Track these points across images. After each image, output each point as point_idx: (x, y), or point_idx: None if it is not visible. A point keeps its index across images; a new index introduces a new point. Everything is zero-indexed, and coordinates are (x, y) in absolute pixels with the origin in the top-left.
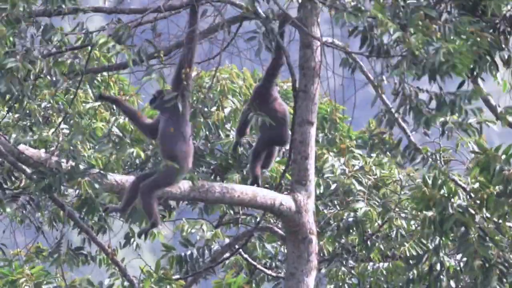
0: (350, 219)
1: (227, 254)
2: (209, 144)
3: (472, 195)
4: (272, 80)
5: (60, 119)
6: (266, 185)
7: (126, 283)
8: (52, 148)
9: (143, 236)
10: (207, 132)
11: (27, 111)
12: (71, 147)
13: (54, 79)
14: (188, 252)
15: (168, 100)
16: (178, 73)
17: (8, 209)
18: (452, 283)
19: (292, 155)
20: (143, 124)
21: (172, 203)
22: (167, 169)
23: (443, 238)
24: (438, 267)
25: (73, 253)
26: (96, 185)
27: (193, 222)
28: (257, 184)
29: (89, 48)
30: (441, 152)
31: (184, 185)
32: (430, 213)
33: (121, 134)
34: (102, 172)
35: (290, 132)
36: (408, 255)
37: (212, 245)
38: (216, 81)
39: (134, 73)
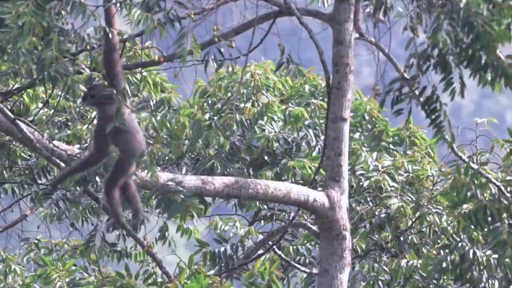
0: (383, 215)
1: (261, 251)
2: (244, 141)
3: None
4: None
5: (94, 114)
6: (300, 181)
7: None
8: (86, 144)
9: (179, 233)
10: (243, 129)
11: (63, 107)
12: None
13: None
14: (222, 249)
15: (105, 95)
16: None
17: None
18: (485, 273)
19: (325, 151)
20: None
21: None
22: (116, 160)
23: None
24: (470, 257)
25: (109, 247)
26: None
27: (227, 218)
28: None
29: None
30: (477, 154)
31: (217, 181)
32: (465, 207)
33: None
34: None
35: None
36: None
37: (246, 241)
38: (250, 76)
39: (167, 69)
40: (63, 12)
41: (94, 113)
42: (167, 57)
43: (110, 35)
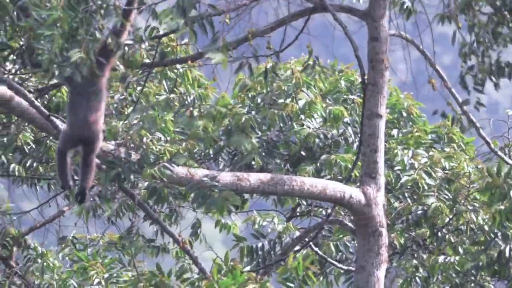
0: (419, 212)
1: (298, 247)
2: (282, 136)
3: None
4: None
5: (129, 111)
6: (340, 177)
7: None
8: (121, 140)
9: (217, 229)
10: (281, 124)
11: None
12: (139, 139)
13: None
14: (260, 244)
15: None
16: None
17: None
18: None
19: (361, 148)
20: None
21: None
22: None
23: None
24: (507, 253)
25: (147, 243)
26: (168, 172)
27: (265, 214)
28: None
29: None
30: (509, 146)
31: (252, 177)
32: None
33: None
34: (172, 161)
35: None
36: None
37: (284, 237)
38: (291, 73)
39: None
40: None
41: (130, 109)
42: (201, 53)
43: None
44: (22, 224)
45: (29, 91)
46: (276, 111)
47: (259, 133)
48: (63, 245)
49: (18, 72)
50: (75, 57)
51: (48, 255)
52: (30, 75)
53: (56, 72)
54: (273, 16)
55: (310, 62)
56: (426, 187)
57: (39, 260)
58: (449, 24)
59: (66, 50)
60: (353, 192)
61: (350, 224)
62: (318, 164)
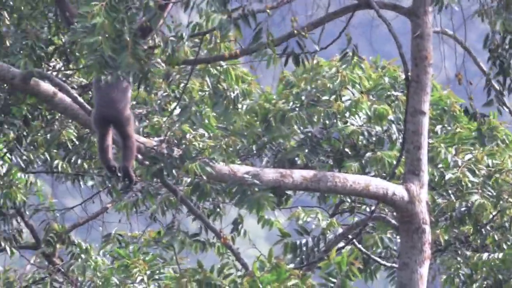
0: (463, 209)
1: (341, 244)
2: (325, 132)
3: None
4: None
5: (172, 107)
6: (383, 174)
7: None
8: (164, 136)
9: (260, 226)
10: (325, 121)
11: (143, 100)
12: (182, 135)
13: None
14: (303, 241)
15: None
16: None
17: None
18: None
19: (405, 145)
20: None
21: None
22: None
23: None
24: None
25: (189, 239)
26: (208, 169)
27: (309, 210)
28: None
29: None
30: None
31: (295, 174)
32: None
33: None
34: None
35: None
36: None
37: (327, 234)
38: (336, 71)
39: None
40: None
41: (173, 104)
42: (245, 50)
43: None
44: (66, 220)
45: (73, 88)
46: (320, 108)
47: (302, 129)
48: (105, 242)
49: (62, 69)
50: (124, 62)
51: (91, 252)
52: (73, 71)
53: (109, 77)
54: (317, 12)
55: (348, 51)
56: (469, 185)
57: (83, 256)
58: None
59: (113, 51)
60: (396, 189)
61: (393, 221)
62: (363, 161)
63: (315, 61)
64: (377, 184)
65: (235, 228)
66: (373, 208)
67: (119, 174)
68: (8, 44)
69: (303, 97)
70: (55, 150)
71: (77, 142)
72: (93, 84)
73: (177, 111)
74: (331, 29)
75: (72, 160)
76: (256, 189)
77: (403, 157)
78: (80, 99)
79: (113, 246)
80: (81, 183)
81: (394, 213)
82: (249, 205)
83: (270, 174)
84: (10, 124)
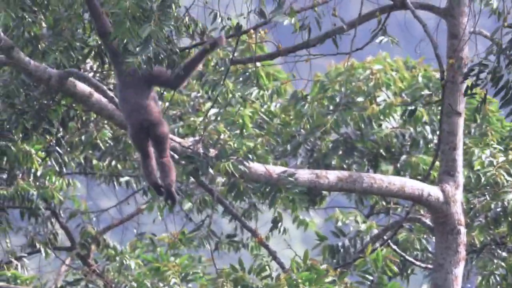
0: (499, 210)
1: (377, 245)
2: (359, 132)
3: None
4: None
5: (206, 107)
6: (419, 176)
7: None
8: (199, 136)
9: (296, 227)
10: (360, 124)
11: (177, 101)
12: (217, 135)
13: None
14: (340, 243)
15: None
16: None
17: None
18: None
19: (440, 145)
20: None
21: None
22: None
23: None
24: None
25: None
26: (241, 168)
27: (347, 212)
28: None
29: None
30: None
31: (330, 175)
32: None
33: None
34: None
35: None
36: None
37: (365, 236)
38: (370, 73)
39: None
40: None
41: (208, 105)
42: (281, 51)
43: None
44: (100, 222)
45: (109, 89)
46: (354, 112)
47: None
48: (137, 245)
49: (98, 70)
50: (147, 32)
51: (125, 254)
52: (109, 72)
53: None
54: (352, 12)
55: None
56: (505, 184)
57: (117, 259)
58: None
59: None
60: (431, 190)
61: (428, 222)
62: (398, 164)
63: (349, 63)
64: (413, 185)
65: (274, 227)
66: (408, 209)
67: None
68: (43, 45)
69: (337, 99)
70: (90, 151)
71: (112, 143)
72: (121, 100)
73: (212, 111)
74: (367, 29)
75: (107, 161)
76: (290, 186)
77: (438, 157)
78: (116, 99)
79: (140, 251)
80: (116, 184)
81: (430, 214)
82: (284, 204)
83: (306, 175)
84: (48, 126)
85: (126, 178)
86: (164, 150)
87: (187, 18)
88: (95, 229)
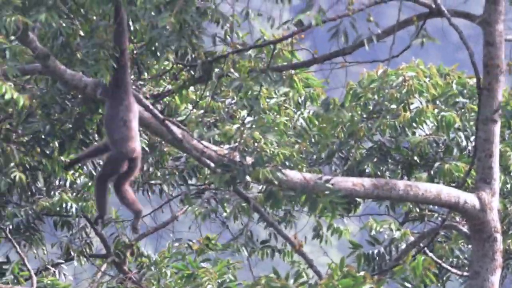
0: None
1: (413, 252)
2: (393, 140)
3: None
4: None
5: (243, 114)
6: (452, 183)
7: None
8: (235, 144)
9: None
10: (394, 131)
11: (212, 108)
12: (253, 142)
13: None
14: (375, 250)
15: (105, 86)
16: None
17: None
18: None
19: (476, 153)
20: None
21: None
22: (110, 156)
23: None
24: None
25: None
26: (279, 175)
27: (381, 220)
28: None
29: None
30: None
31: (366, 182)
32: None
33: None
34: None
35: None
36: None
37: (400, 244)
38: (403, 80)
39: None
40: None
41: (243, 113)
42: (316, 59)
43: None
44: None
45: (145, 98)
46: (388, 119)
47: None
48: (165, 254)
49: (134, 80)
50: (163, 22)
51: (160, 262)
52: (145, 81)
53: (171, 57)
54: (387, 21)
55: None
56: None
57: (152, 268)
58: None
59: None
60: (467, 198)
61: (464, 230)
62: (431, 171)
63: (381, 70)
64: (449, 193)
65: (316, 235)
66: (443, 216)
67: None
68: (79, 54)
69: (370, 107)
70: None
71: (147, 149)
72: (120, 121)
73: (248, 118)
74: (401, 37)
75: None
76: (327, 193)
77: (474, 165)
78: (152, 107)
79: (170, 260)
80: (149, 192)
81: (466, 222)
82: (321, 210)
83: (342, 182)
84: (84, 135)
85: (161, 185)
86: (131, 182)
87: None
88: (128, 237)
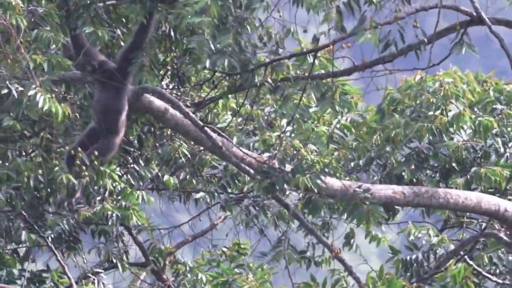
0: None
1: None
2: (432, 147)
3: None
4: None
5: (282, 123)
6: (490, 189)
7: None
8: (275, 151)
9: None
10: (431, 137)
11: (252, 116)
12: (293, 150)
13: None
14: (414, 256)
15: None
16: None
17: (233, 212)
18: None
19: None
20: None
21: None
22: (101, 143)
23: None
24: None
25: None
26: (319, 182)
27: (420, 226)
28: None
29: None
30: None
31: (407, 190)
32: None
33: (342, 135)
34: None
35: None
36: None
37: (438, 250)
38: (439, 85)
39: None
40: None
41: (283, 121)
42: (356, 66)
43: None
44: (174, 238)
45: (186, 106)
46: (425, 124)
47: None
48: (197, 261)
49: (175, 88)
50: (224, 43)
51: (196, 269)
52: (186, 89)
53: (207, 62)
54: (427, 29)
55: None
56: None
57: (188, 275)
58: None
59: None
60: (508, 206)
61: (505, 238)
62: (468, 176)
63: (419, 76)
64: (489, 201)
65: (347, 243)
66: (483, 224)
67: None
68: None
69: (407, 113)
70: (164, 166)
71: (187, 158)
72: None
73: (288, 127)
74: (440, 45)
75: (181, 177)
76: (367, 203)
77: None
78: (191, 114)
79: (204, 268)
80: (187, 200)
81: (506, 230)
82: (359, 218)
83: (382, 190)
84: (125, 144)
85: (201, 194)
86: None
87: (261, 29)
88: (164, 245)
